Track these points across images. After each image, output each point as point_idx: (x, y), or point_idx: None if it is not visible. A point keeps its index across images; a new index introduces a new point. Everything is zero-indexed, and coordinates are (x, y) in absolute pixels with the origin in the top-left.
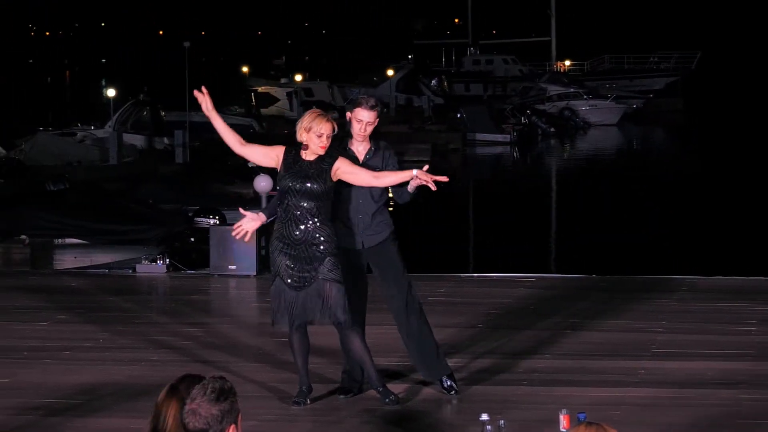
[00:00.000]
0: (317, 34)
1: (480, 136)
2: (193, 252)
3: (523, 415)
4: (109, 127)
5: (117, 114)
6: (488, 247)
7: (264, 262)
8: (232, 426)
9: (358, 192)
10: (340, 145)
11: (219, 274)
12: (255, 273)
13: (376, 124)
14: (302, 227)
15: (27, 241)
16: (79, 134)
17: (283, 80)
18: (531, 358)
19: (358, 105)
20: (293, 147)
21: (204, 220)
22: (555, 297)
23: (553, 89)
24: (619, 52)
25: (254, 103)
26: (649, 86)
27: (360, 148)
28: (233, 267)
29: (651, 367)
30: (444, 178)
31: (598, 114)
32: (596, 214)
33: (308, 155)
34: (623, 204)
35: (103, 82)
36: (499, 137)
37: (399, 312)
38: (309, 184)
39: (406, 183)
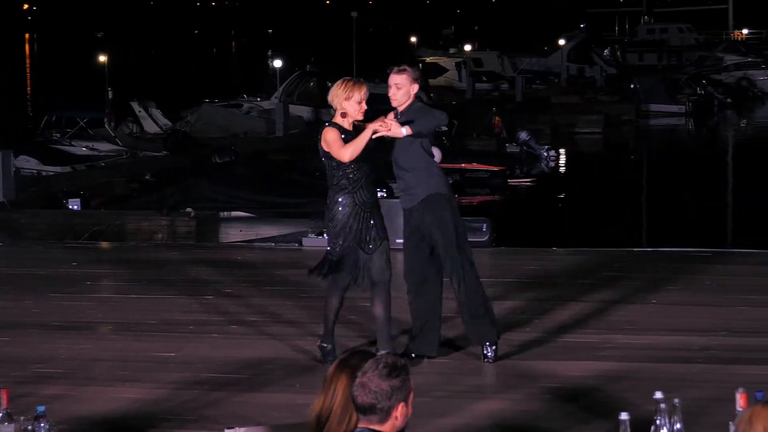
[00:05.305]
0: (487, 3)
1: (654, 107)
2: None
3: (698, 393)
4: (276, 98)
5: (283, 85)
6: (663, 220)
7: None
8: (401, 404)
9: (401, 148)
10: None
11: None
12: None
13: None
14: (373, 192)
15: (193, 214)
16: (245, 106)
17: (452, 50)
18: (706, 335)
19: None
20: (334, 124)
21: None
22: (731, 272)
23: (730, 58)
24: None
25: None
26: None
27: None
28: (400, 240)
29: None
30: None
31: None
32: None
33: (348, 125)
34: None
35: (270, 53)
36: (673, 108)
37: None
38: (367, 153)
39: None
